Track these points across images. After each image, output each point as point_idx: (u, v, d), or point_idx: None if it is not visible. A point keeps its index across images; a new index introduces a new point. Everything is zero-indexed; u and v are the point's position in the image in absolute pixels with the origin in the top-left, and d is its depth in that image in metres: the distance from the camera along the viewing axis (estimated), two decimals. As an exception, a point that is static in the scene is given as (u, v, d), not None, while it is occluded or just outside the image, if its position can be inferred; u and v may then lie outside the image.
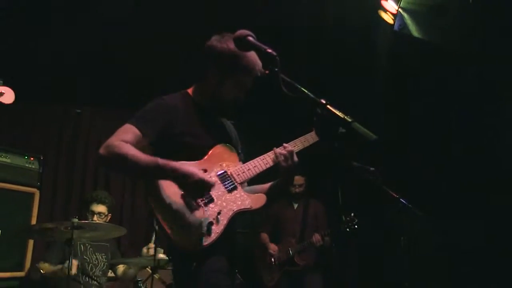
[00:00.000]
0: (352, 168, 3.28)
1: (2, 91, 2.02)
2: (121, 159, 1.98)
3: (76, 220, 3.47)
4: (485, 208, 4.47)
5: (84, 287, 3.96)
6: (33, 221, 4.34)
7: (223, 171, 2.19)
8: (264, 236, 5.20)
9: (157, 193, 2.02)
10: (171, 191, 2.01)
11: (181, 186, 1.99)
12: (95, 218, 4.22)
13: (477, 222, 4.50)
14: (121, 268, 4.43)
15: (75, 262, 3.75)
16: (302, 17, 4.79)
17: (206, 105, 2.30)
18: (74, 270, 3.69)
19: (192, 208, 2.01)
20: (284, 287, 4.94)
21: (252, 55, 2.19)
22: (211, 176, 2.13)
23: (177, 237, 1.99)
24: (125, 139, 2.03)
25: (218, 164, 2.20)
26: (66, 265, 3.65)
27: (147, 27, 4.77)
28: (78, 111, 5.80)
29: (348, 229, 4.58)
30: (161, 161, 1.97)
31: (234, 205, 2.13)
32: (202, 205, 2.04)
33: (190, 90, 2.35)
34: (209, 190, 2.04)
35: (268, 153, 2.30)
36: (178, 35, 4.79)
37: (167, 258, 3.83)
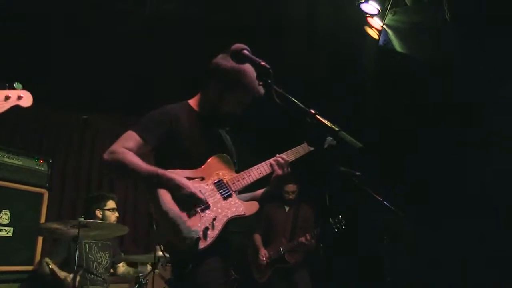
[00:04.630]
0: (339, 173, 3.30)
1: (21, 95, 1.99)
2: (123, 166, 1.99)
3: (82, 219, 3.47)
4: (464, 207, 4.51)
5: (90, 283, 3.94)
6: (42, 219, 4.33)
7: (219, 180, 2.20)
8: (257, 237, 5.20)
9: (158, 198, 2.03)
10: (170, 197, 2.02)
11: (173, 196, 2.00)
12: (110, 213, 4.24)
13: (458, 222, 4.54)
14: (121, 268, 4.41)
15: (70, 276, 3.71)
16: (293, 31, 4.83)
17: (205, 116, 2.30)
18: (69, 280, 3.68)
19: (190, 214, 2.03)
20: (275, 283, 4.94)
21: (253, 76, 2.19)
22: (208, 184, 2.15)
23: (175, 240, 2.01)
24: (128, 146, 2.04)
25: (215, 173, 2.21)
26: (70, 277, 3.66)
27: (153, 36, 4.78)
28: (85, 117, 5.81)
29: (336, 230, 4.61)
30: (160, 171, 1.99)
31: (229, 211, 2.14)
32: (199, 211, 2.05)
33: (191, 101, 2.36)
34: (198, 204, 2.04)
35: (261, 164, 2.31)
36: (183, 45, 4.81)
37: (165, 256, 3.83)
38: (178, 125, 2.18)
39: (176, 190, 1.98)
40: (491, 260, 4.28)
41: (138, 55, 4.95)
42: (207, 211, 2.08)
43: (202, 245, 1.99)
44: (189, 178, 2.07)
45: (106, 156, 2.02)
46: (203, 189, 2.10)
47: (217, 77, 2.25)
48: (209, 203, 2.09)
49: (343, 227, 4.60)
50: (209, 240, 2.01)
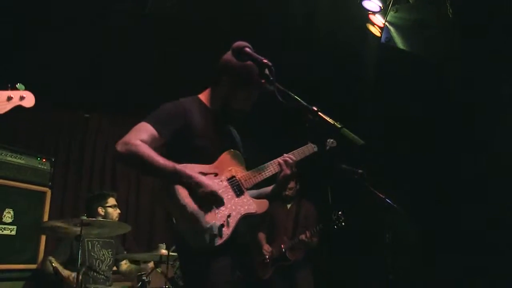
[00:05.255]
0: (341, 170, 3.30)
1: (23, 95, 1.99)
2: (139, 159, 1.95)
3: (84, 217, 3.48)
4: (465, 206, 4.51)
5: (93, 281, 3.95)
6: (45, 218, 4.35)
7: (232, 176, 2.20)
8: (261, 235, 5.21)
9: (174, 194, 2.00)
10: (187, 193, 2.01)
11: (192, 194, 1.98)
12: (111, 210, 4.26)
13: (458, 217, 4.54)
14: (124, 265, 4.42)
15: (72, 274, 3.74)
16: (294, 29, 4.82)
17: (216, 111, 2.29)
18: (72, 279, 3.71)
19: (205, 211, 2.01)
20: (277, 281, 4.95)
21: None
22: (222, 180, 2.14)
23: (191, 237, 1.99)
24: (142, 138, 1.99)
25: (228, 169, 2.20)
26: (73, 275, 3.68)
27: (153, 36, 4.78)
28: (87, 116, 5.81)
29: (336, 226, 4.61)
30: (178, 167, 1.97)
31: (242, 209, 2.14)
32: (214, 207, 2.04)
33: (201, 96, 2.34)
34: (217, 203, 2.04)
35: (270, 162, 2.32)
36: (185, 44, 4.80)
37: (168, 254, 3.83)
38: (191, 120, 2.15)
39: (196, 188, 1.97)
40: (492, 259, 4.27)
41: (138, 55, 4.95)
42: (222, 208, 2.07)
43: (218, 242, 1.99)
44: (203, 174, 2.06)
45: (119, 147, 1.96)
46: (218, 185, 2.09)
47: (228, 74, 2.23)
48: (224, 200, 2.08)
49: (343, 223, 4.59)
50: (225, 237, 2.01)
